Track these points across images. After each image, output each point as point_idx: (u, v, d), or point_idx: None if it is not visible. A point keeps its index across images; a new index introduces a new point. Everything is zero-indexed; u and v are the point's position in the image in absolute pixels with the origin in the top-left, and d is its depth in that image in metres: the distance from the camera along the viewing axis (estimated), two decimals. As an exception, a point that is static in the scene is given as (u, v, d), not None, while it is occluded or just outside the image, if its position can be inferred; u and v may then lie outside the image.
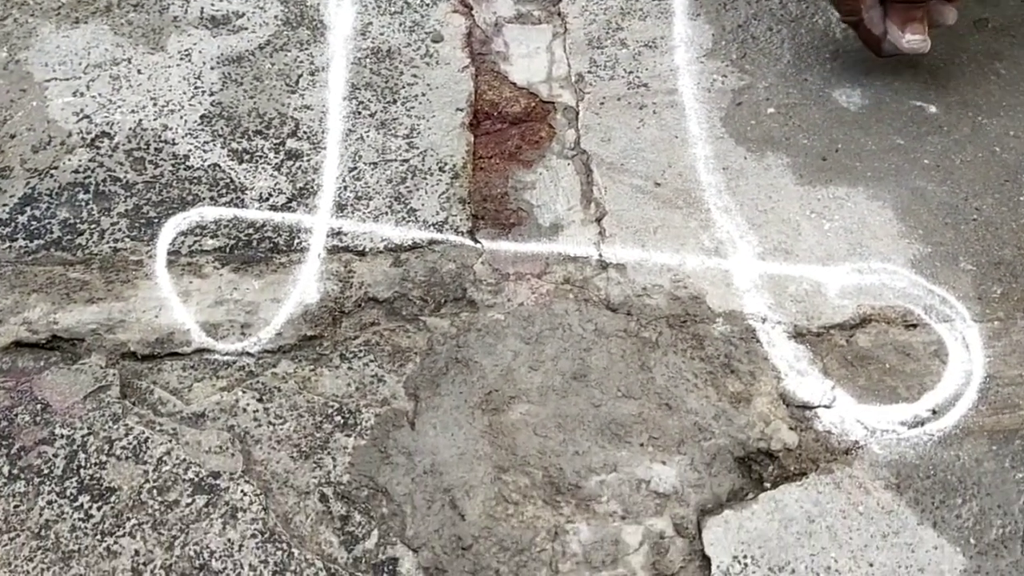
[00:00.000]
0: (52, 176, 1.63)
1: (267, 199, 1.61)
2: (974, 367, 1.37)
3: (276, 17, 1.91)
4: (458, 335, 1.44)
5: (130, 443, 1.29)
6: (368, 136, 1.70)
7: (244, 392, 1.36)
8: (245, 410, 1.34)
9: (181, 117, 1.73)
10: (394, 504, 1.24)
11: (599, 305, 1.47)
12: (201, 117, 1.73)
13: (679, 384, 1.37)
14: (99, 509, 1.23)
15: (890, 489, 1.24)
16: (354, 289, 1.49)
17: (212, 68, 1.81)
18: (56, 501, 1.24)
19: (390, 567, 1.20)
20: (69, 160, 1.66)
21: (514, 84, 1.82)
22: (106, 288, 1.48)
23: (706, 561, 1.19)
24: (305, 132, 1.71)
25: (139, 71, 1.80)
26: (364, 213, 1.59)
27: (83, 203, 1.60)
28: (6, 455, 1.28)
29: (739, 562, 1.19)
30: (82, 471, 1.27)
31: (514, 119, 1.76)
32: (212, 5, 1.93)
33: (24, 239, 1.53)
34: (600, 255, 1.53)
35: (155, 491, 1.24)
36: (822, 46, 1.85)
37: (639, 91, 1.78)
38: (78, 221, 1.57)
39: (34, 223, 1.55)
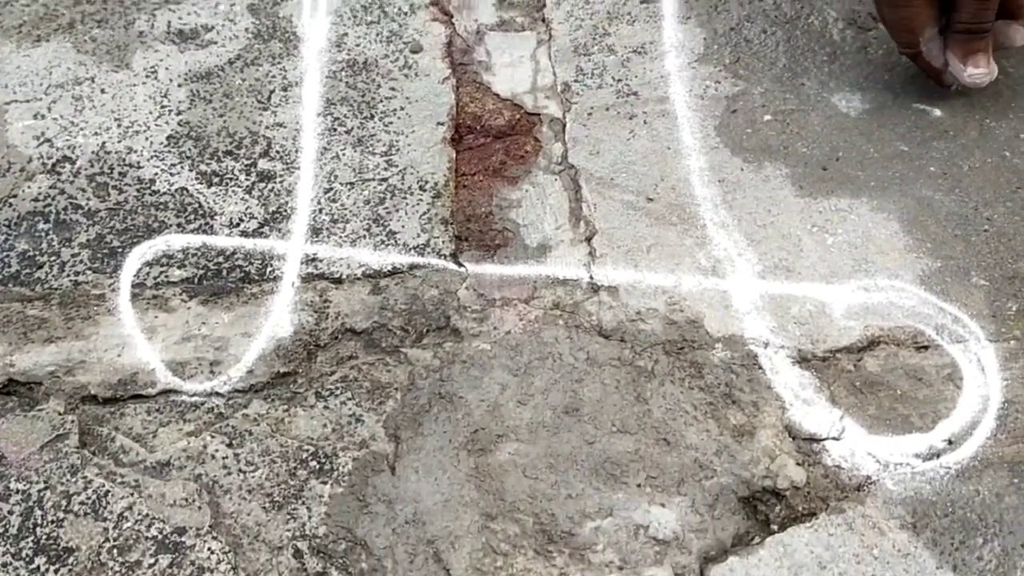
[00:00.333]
0: (11, 205, 1.54)
1: (238, 225, 1.52)
2: (991, 391, 1.29)
3: (247, 30, 1.82)
4: (441, 368, 1.35)
5: (89, 498, 1.20)
6: (344, 154, 1.61)
7: (213, 437, 1.28)
8: (214, 457, 1.26)
9: (147, 138, 1.64)
10: (374, 559, 1.15)
11: (591, 332, 1.38)
12: (168, 138, 1.64)
13: (677, 417, 1.28)
14: (56, 572, 1.14)
15: (906, 529, 1.16)
16: (330, 320, 1.41)
17: (179, 85, 1.72)
18: (11, 564, 1.15)
19: (370, 629, 1.11)
20: (29, 188, 1.57)
21: (497, 95, 1.73)
22: (66, 326, 1.39)
23: (711, 614, 1.11)
24: (278, 151, 1.62)
25: (103, 90, 1.71)
26: (341, 237, 1.51)
27: (43, 233, 1.51)
28: (-44, 514, 1.19)
29: (746, 615, 1.10)
30: (38, 530, 1.18)
31: (498, 133, 1.67)
32: (180, 19, 1.84)
33: (-21, 275, 1.44)
34: (591, 277, 1.45)
35: (116, 551, 1.16)
36: (819, 48, 1.76)
37: (629, 100, 1.69)
38: (37, 253, 1.48)
39: (-10, 257, 1.47)
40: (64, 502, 1.20)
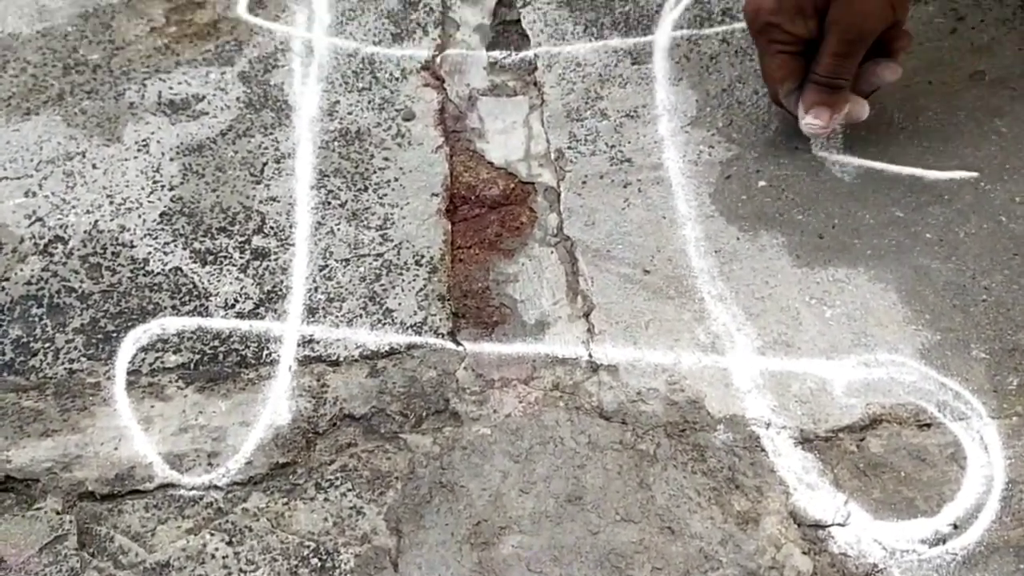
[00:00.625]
0: (3, 289, 1.53)
1: (233, 306, 1.51)
2: (995, 471, 1.28)
3: (238, 99, 1.81)
4: (441, 455, 1.34)
5: (88, 605, 1.19)
6: (339, 229, 1.61)
7: (212, 534, 1.26)
8: (214, 556, 1.24)
9: (139, 216, 1.63)
10: (378, 664, 1.14)
11: (592, 414, 1.37)
12: (161, 215, 1.63)
13: (681, 504, 1.27)
14: None
15: (914, 621, 1.15)
16: (328, 406, 1.39)
17: (171, 159, 1.71)
18: (9, 676, 1.13)
19: None
20: (21, 270, 1.55)
21: (491, 164, 1.72)
22: (62, 418, 1.37)
23: None
24: (272, 227, 1.61)
25: (94, 166, 1.70)
26: (337, 317, 1.50)
27: (36, 318, 1.50)
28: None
29: None
30: (37, 640, 1.16)
31: (493, 203, 1.67)
32: (170, 88, 1.83)
33: (-28, 366, 1.43)
34: (590, 355, 1.44)
35: (116, 663, 1.14)
36: (812, 110, 1.75)
37: (623, 167, 1.69)
38: (31, 339, 1.47)
39: (-17, 346, 1.45)
40: (63, 611, 1.19)
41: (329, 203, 1.65)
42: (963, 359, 1.40)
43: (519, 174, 1.71)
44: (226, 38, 1.91)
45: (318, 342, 1.47)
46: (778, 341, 1.44)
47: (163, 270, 1.56)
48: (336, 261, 1.57)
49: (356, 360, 1.45)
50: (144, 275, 1.55)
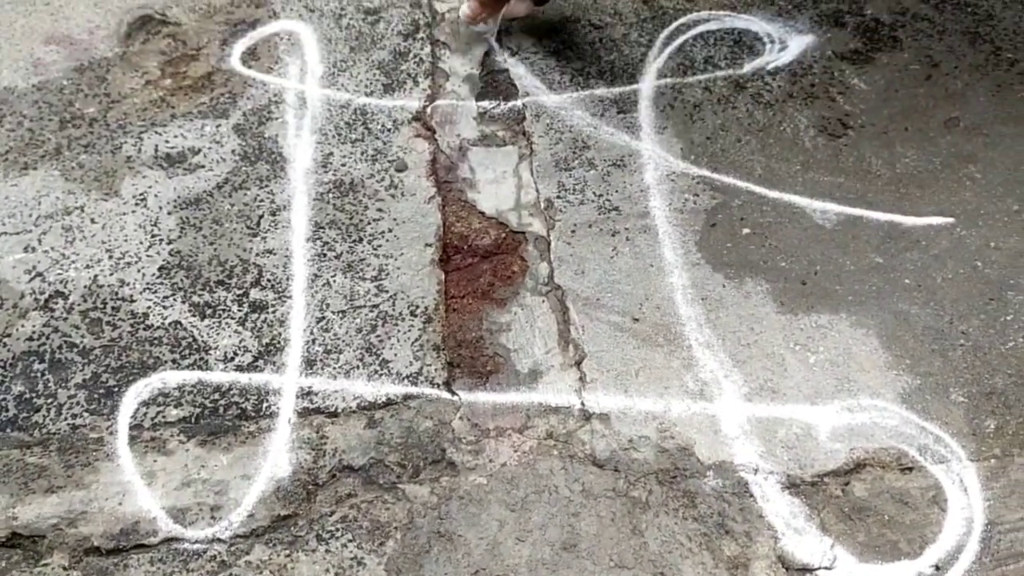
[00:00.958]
0: (5, 345, 1.56)
1: (232, 359, 1.54)
2: (974, 513, 1.33)
3: (233, 152, 1.85)
4: (439, 504, 1.37)
5: (97, 663, 1.21)
6: (335, 281, 1.65)
7: (217, 589, 1.29)
8: (219, 610, 1.27)
9: (138, 270, 1.66)
10: None
11: (585, 462, 1.41)
12: (159, 269, 1.67)
13: (673, 550, 1.31)
14: None
15: (900, 664, 1.19)
16: (327, 457, 1.43)
17: (169, 213, 1.75)
18: None
19: None
20: (23, 326, 1.58)
21: (483, 214, 1.77)
22: (66, 474, 1.40)
23: None
24: (269, 280, 1.65)
25: (93, 220, 1.73)
26: (335, 368, 1.53)
27: (38, 374, 1.52)
28: None
29: None
30: None
31: (485, 252, 1.71)
32: (166, 142, 1.87)
33: (-23, 422, 1.45)
34: (582, 404, 1.48)
35: None
36: (791, 157, 1.82)
37: (610, 216, 1.73)
38: (34, 395, 1.50)
39: (-13, 403, 1.48)
40: (72, 668, 1.21)
41: (325, 255, 1.69)
42: (942, 403, 1.45)
43: (510, 223, 1.76)
44: (220, 91, 1.96)
45: (316, 394, 1.50)
46: (764, 387, 1.48)
47: (163, 324, 1.59)
48: (333, 313, 1.60)
49: (354, 411, 1.48)
50: (144, 329, 1.58)
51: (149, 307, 1.62)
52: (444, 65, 2.02)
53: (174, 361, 1.55)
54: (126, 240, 1.72)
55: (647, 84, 1.96)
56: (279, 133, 1.90)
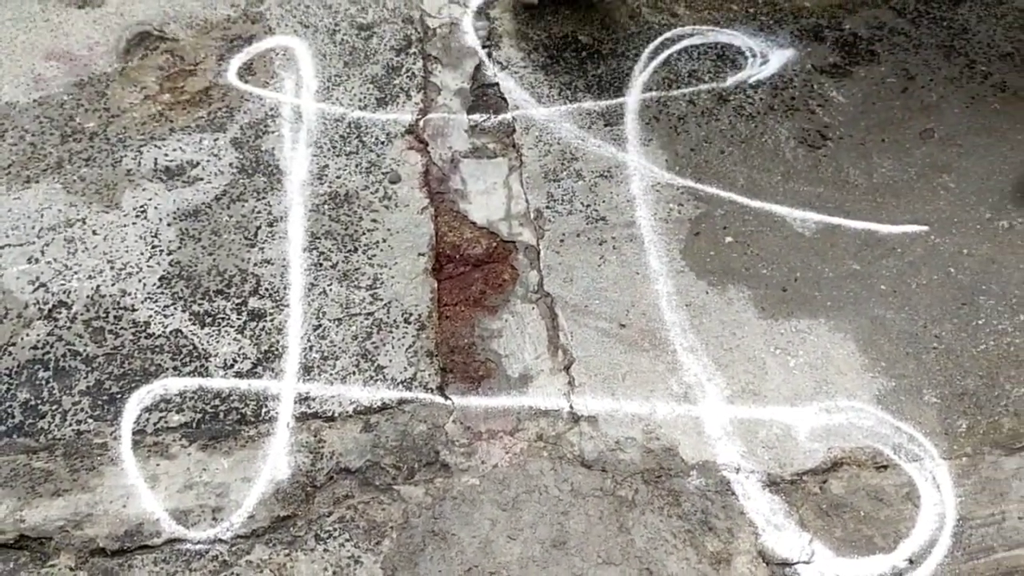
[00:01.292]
0: (10, 354, 1.60)
1: (232, 366, 1.59)
2: (946, 509, 1.39)
3: (231, 164, 1.90)
4: (433, 504, 1.43)
5: (105, 658, 1.26)
6: (331, 290, 1.70)
7: (219, 587, 1.34)
8: (221, 607, 1.32)
9: (140, 280, 1.71)
10: None
11: (574, 463, 1.46)
12: (160, 279, 1.71)
13: (658, 546, 1.36)
14: None
15: (875, 653, 1.24)
16: (325, 460, 1.48)
17: (169, 224, 1.80)
18: None
19: None
20: (27, 335, 1.63)
21: (474, 224, 1.82)
22: (71, 478, 1.45)
23: None
24: (267, 289, 1.70)
25: (94, 232, 1.78)
26: (331, 374, 1.58)
27: (43, 381, 1.57)
28: None
29: None
30: None
31: (476, 261, 1.77)
32: (166, 155, 1.92)
33: (-16, 428, 1.50)
34: (571, 407, 1.53)
35: None
36: (772, 167, 1.88)
37: (598, 225, 1.79)
38: (39, 402, 1.54)
39: (-6, 409, 1.53)
40: (80, 664, 1.26)
41: (321, 264, 1.74)
42: (916, 404, 1.51)
43: (501, 233, 1.81)
44: (218, 105, 2.01)
45: (314, 399, 1.55)
46: (746, 390, 1.54)
47: (164, 332, 1.64)
48: (329, 320, 1.66)
49: (350, 416, 1.53)
50: (146, 337, 1.63)
51: (150, 316, 1.67)
52: (436, 79, 2.08)
53: (175, 368, 1.60)
54: (127, 251, 1.77)
55: (633, 97, 2.02)
56: (275, 146, 1.96)
